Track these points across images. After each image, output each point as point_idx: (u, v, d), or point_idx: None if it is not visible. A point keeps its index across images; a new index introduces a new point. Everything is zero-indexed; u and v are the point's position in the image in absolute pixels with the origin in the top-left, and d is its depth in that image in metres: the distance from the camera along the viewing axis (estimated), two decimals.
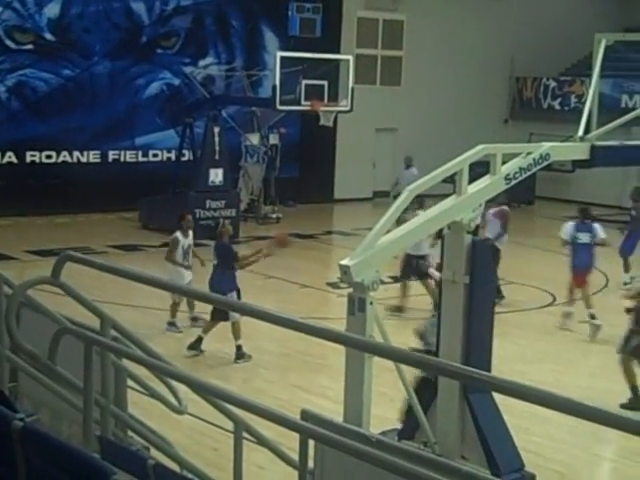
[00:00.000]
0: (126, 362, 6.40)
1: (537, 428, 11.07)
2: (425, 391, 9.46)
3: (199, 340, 14.10)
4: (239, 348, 14.08)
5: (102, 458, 4.88)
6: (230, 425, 6.16)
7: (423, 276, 16.44)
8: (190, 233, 15.51)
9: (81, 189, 25.31)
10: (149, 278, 6.26)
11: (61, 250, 6.73)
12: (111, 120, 26.79)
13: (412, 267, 16.64)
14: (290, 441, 5.61)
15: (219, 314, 13.85)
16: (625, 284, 19.21)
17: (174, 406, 6.55)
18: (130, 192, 24.92)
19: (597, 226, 16.61)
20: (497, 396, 9.39)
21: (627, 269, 19.85)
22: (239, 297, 14.07)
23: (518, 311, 17.33)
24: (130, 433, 6.55)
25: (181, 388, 6.31)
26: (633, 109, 16.40)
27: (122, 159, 27.26)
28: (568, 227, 16.62)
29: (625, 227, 20.55)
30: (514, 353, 14.46)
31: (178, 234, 15.36)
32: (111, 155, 27.02)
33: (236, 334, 14.02)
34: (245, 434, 6.29)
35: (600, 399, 12.13)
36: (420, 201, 13.72)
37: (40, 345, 6.17)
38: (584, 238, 16.43)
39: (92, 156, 26.73)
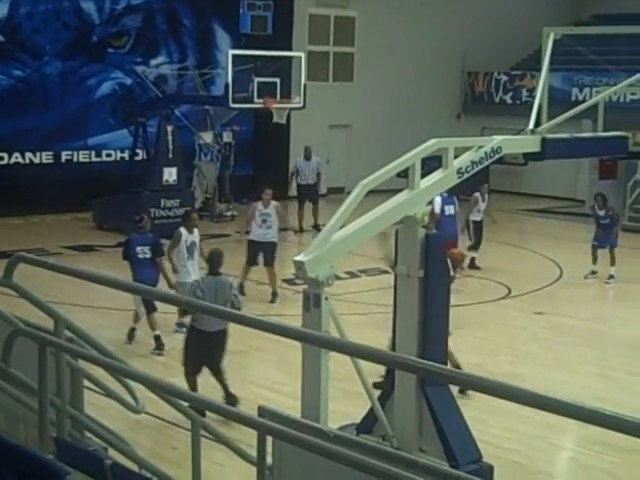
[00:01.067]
0: (82, 362, 6.37)
1: (494, 419, 11.14)
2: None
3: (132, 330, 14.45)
4: (157, 338, 14.20)
5: (58, 459, 4.87)
6: (188, 423, 6.15)
7: None
8: (195, 231, 15.25)
9: (34, 190, 25.10)
10: (103, 278, 6.24)
11: (15, 252, 6.69)
12: (63, 120, 26.61)
13: None
14: (248, 438, 5.61)
15: (147, 305, 14.02)
16: (593, 273, 19.91)
17: (131, 405, 6.53)
18: (84, 192, 24.76)
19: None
20: (454, 388, 9.46)
21: (596, 261, 20.06)
22: None
23: (474, 304, 17.41)
24: (87, 434, 6.52)
25: (138, 387, 6.29)
26: (583, 102, 16.52)
27: (75, 159, 27.08)
28: (438, 200, 17.64)
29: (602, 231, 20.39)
30: (470, 345, 14.53)
31: (182, 229, 15.12)
32: (64, 156, 26.84)
33: (153, 325, 14.28)
34: (203, 432, 6.29)
35: (557, 390, 12.25)
36: None
37: None
38: (450, 210, 18.21)
39: (45, 157, 26.54)
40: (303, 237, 23.95)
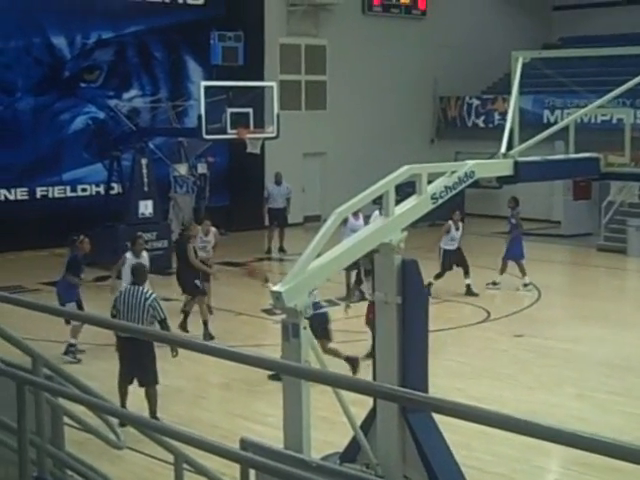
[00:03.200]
0: (62, 399, 6.33)
1: (477, 443, 11.13)
2: None
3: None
4: (70, 346, 15.18)
5: None
6: (171, 458, 6.13)
7: None
8: (144, 255, 16.06)
9: (10, 227, 25.02)
10: (79, 315, 6.22)
11: None
12: (37, 156, 26.56)
13: None
14: (232, 470, 5.59)
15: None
16: (525, 285, 20.83)
17: (112, 441, 6.50)
18: (60, 228, 24.63)
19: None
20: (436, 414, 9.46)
21: (524, 272, 21.00)
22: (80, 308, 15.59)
23: (453, 328, 17.44)
24: (69, 472, 6.48)
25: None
26: (555, 124, 16.63)
27: (50, 195, 27.03)
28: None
29: (508, 235, 21.60)
30: (452, 370, 14.55)
31: (128, 253, 16.06)
32: (39, 191, 26.77)
33: (74, 333, 15.18)
34: (186, 465, 6.27)
35: (539, 412, 12.29)
36: None
37: None
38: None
39: (20, 193, 26.47)
40: (283, 266, 23.98)
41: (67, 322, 15.01)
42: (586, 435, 3.61)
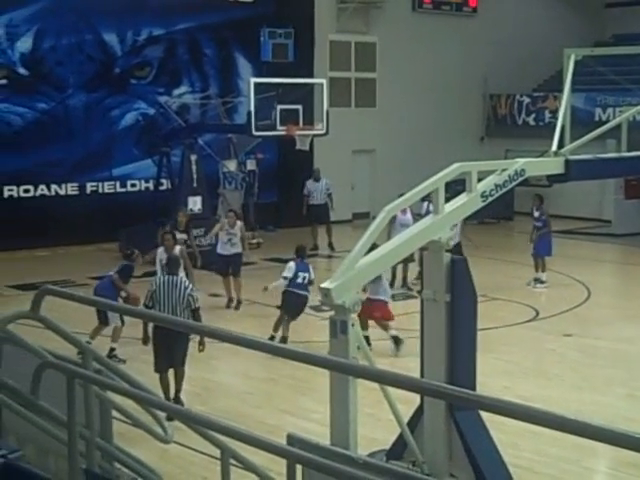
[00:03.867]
0: (111, 393, 6.37)
1: (526, 443, 11.06)
2: None
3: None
4: (112, 350, 14.72)
5: None
6: (217, 452, 6.14)
7: None
8: (176, 250, 16.17)
9: (60, 222, 25.26)
10: (128, 308, 6.25)
11: (42, 284, 6.72)
12: (88, 152, 26.77)
13: None
14: (279, 466, 5.59)
15: (100, 318, 14.92)
16: (537, 281, 20.80)
17: (160, 435, 6.53)
18: (109, 223, 24.88)
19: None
20: (484, 412, 9.42)
21: (544, 269, 20.98)
22: None
23: (501, 327, 17.34)
24: (117, 465, 6.52)
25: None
26: (607, 122, 16.48)
27: (100, 190, 27.22)
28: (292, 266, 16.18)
29: (535, 233, 21.29)
30: (499, 369, 14.48)
31: (160, 249, 16.47)
32: (89, 187, 26.98)
33: (114, 337, 14.93)
34: (233, 460, 6.28)
35: (588, 412, 12.18)
36: None
37: (22, 380, 6.14)
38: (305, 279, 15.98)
39: (70, 188, 26.68)
40: (331, 262, 23.97)
41: (101, 325, 15.08)
42: (636, 435, 3.57)
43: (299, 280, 15.71)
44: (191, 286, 12.96)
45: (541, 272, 20.74)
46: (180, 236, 17.46)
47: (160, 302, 12.64)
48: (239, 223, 19.26)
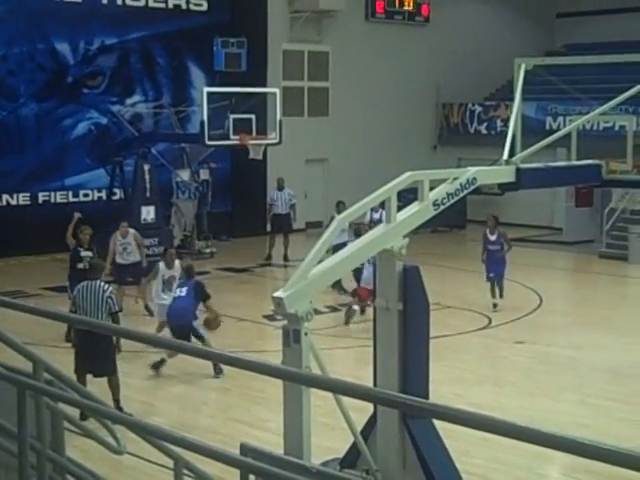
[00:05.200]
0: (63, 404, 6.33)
1: (479, 450, 11.11)
2: None
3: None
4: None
5: None
6: (171, 463, 6.12)
7: None
8: (176, 265, 16.52)
9: (12, 232, 25.05)
10: (79, 319, 6.22)
11: None
12: (40, 161, 26.58)
13: None
14: (232, 476, 5.59)
15: None
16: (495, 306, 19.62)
17: (113, 446, 6.49)
18: (62, 233, 24.68)
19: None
20: (437, 420, 9.45)
21: (502, 293, 19.83)
22: None
23: (454, 335, 17.43)
24: (69, 477, 6.47)
25: (119, 426, 6.26)
26: (557, 130, 16.63)
27: (52, 200, 27.03)
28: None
29: (486, 254, 19.98)
30: (452, 376, 14.54)
31: (161, 264, 16.63)
32: (41, 197, 26.79)
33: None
34: (186, 471, 6.26)
35: (541, 419, 12.26)
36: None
37: None
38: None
39: (22, 198, 26.48)
40: (286, 272, 23.97)
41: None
42: (588, 442, 3.61)
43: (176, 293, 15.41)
44: (110, 289, 13.12)
45: (499, 298, 19.62)
46: (85, 253, 17.44)
47: (81, 307, 12.86)
48: (131, 231, 19.36)
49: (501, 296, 19.59)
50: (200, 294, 15.07)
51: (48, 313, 6.13)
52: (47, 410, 6.08)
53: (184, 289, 15.11)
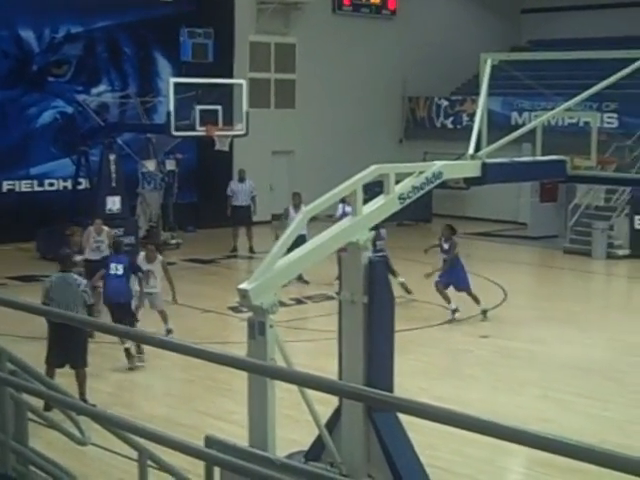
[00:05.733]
0: (26, 395, 6.31)
1: (442, 443, 11.16)
2: None
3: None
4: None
5: None
6: (135, 454, 6.11)
7: None
8: (157, 260, 16.37)
9: None
10: (43, 309, 6.20)
11: None
12: (4, 150, 26.40)
13: None
14: (197, 468, 5.59)
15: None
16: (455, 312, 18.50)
17: (77, 437, 6.47)
18: (27, 222, 24.57)
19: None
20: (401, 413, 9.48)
21: (477, 300, 18.77)
22: None
23: (418, 328, 17.49)
24: (33, 468, 6.45)
25: (83, 417, 6.25)
26: (523, 126, 16.71)
27: (17, 189, 26.87)
28: None
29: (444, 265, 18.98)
30: (416, 370, 14.60)
31: (140, 256, 16.47)
32: (5, 185, 26.62)
33: None
34: (150, 462, 6.26)
35: (503, 413, 12.34)
36: None
37: None
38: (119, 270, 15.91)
39: None
40: (251, 264, 23.95)
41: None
42: (549, 436, 3.64)
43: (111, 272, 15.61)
44: (85, 282, 13.19)
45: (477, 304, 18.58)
46: (79, 258, 17.37)
47: (55, 300, 12.81)
48: (106, 229, 19.08)
49: (478, 303, 18.64)
50: (132, 269, 15.54)
51: (25, 306, 6.12)
52: (10, 401, 6.06)
53: (120, 267, 15.37)
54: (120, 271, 15.31)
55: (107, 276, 15.50)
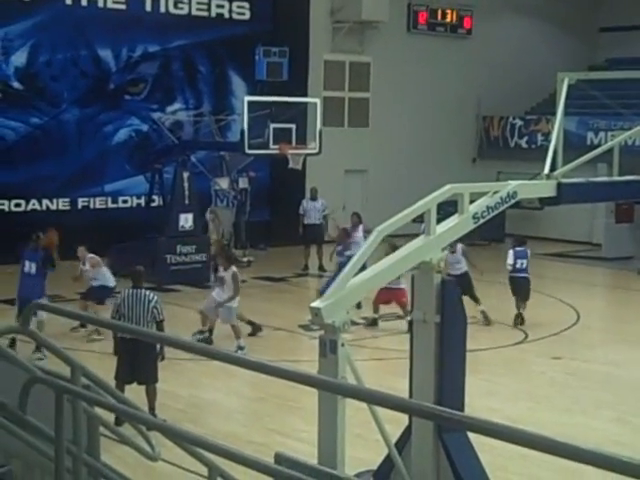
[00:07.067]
0: (99, 409, 6.35)
1: (514, 465, 11.05)
2: None
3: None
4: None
5: None
6: (205, 470, 6.12)
7: None
8: (230, 269, 16.91)
9: None
10: (117, 325, 6.24)
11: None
12: (80, 167, 26.77)
13: None
14: None
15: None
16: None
17: (147, 452, 6.49)
18: (100, 239, 24.77)
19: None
20: (472, 434, 9.39)
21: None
22: None
23: (491, 349, 17.34)
24: None
25: (153, 433, 6.27)
26: (599, 146, 16.53)
27: (92, 206, 27.20)
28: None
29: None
30: (488, 390, 14.47)
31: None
32: (80, 202, 26.96)
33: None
34: (220, 479, 6.26)
35: (577, 435, 12.16)
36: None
37: (10, 394, 6.12)
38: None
39: (61, 203, 26.66)
40: (321, 282, 23.94)
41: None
42: (625, 459, 3.57)
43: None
44: (156, 298, 13.11)
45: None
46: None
47: (125, 315, 12.82)
48: (88, 256, 19.46)
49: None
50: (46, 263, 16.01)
51: (96, 321, 6.17)
52: (84, 414, 6.10)
53: (33, 265, 16.07)
54: (33, 270, 15.62)
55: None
